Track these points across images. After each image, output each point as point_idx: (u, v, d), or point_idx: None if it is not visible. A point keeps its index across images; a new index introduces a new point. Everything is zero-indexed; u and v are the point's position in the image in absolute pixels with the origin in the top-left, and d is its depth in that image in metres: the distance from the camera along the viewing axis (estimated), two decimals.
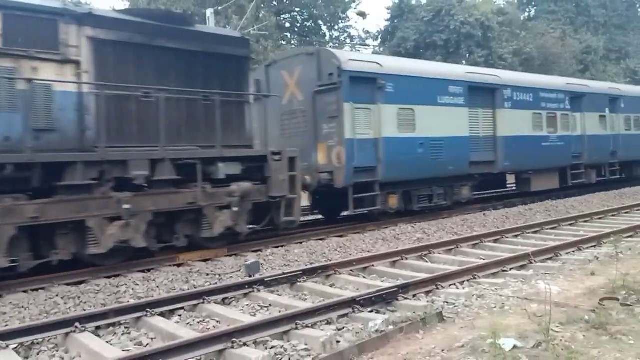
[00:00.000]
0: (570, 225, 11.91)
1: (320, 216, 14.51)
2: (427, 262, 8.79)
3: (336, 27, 40.56)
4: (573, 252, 8.88)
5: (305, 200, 13.03)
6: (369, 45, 41.66)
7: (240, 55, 10.40)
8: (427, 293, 6.72)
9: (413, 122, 13.16)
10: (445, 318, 5.50)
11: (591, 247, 9.21)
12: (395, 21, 40.45)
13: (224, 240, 9.79)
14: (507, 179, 18.74)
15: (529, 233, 10.96)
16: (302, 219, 14.43)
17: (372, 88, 12.44)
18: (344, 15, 39.75)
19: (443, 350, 4.61)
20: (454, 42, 35.92)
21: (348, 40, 40.93)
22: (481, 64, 32.14)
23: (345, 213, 12.31)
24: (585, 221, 12.37)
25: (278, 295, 7.01)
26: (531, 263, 8.11)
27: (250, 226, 10.25)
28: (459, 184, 14.49)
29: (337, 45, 38.22)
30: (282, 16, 37.17)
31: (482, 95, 15.11)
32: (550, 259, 8.45)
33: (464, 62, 34.52)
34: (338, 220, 13.16)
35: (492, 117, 15.42)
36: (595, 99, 19.21)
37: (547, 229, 11.35)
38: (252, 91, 13.00)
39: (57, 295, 7.14)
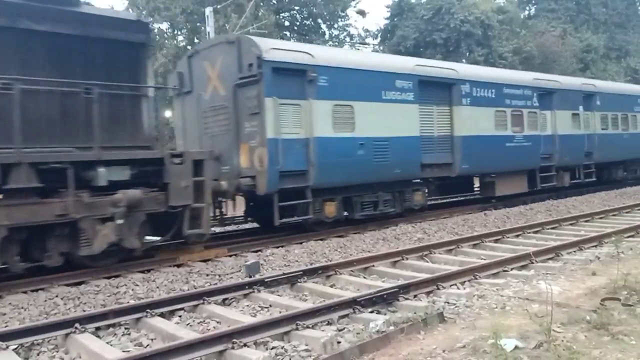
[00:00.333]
0: (571, 225, 11.89)
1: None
2: (427, 262, 8.77)
3: (335, 26, 40.55)
4: (574, 252, 8.86)
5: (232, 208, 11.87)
6: (368, 44, 41.66)
7: (135, 41, 9.00)
8: (428, 293, 6.71)
9: (352, 120, 11.75)
10: (446, 318, 5.49)
11: (592, 246, 9.20)
12: (395, 19, 40.46)
13: (113, 258, 8.52)
14: (475, 183, 17.73)
15: (529, 233, 10.94)
16: (239, 227, 13.30)
17: (302, 81, 11.02)
18: (343, 14, 39.76)
19: (444, 351, 4.60)
20: (454, 40, 35.92)
21: (348, 39, 40.95)
22: (481, 63, 32.15)
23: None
24: (586, 221, 12.36)
25: (278, 295, 6.99)
26: (532, 263, 8.09)
27: (152, 238, 9.20)
28: (410, 189, 13.24)
29: (336, 43, 38.21)
30: (281, 14, 37.14)
31: (436, 90, 13.75)
32: (551, 258, 8.44)
33: (463, 60, 34.50)
34: (276, 229, 11.32)
35: (449, 114, 14.05)
36: (567, 96, 17.86)
37: (548, 229, 11.33)
38: (174, 85, 11.78)
39: (56, 296, 7.13)
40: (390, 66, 13.07)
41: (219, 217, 11.09)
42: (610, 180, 20.56)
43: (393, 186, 12.78)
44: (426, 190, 13.87)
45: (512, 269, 7.79)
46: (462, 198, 18.05)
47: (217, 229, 12.26)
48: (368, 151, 11.94)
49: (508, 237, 10.47)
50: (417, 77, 13.22)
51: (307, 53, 11.49)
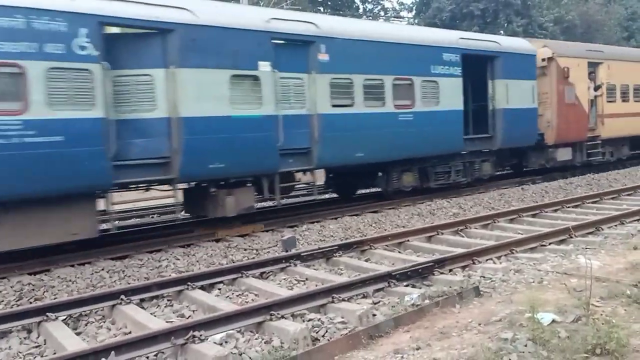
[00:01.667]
0: (612, 199, 11.59)
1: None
2: (463, 237, 8.73)
3: (369, 0, 39.95)
4: (615, 226, 8.67)
5: None
6: (403, 17, 40.92)
7: None
8: (464, 268, 6.71)
9: None
10: (482, 292, 5.48)
11: (634, 221, 8.98)
12: None
13: None
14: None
15: (569, 207, 10.72)
16: None
17: None
18: None
19: (480, 324, 4.61)
20: (492, 11, 34.85)
21: (382, 13, 40.30)
22: (520, 34, 31.14)
23: None
24: (629, 194, 12.03)
25: (314, 269, 7.11)
26: (571, 237, 7.97)
27: None
28: None
29: (370, 17, 37.64)
30: None
31: None
32: (591, 233, 8.28)
33: (501, 32, 33.50)
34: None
35: None
36: (214, 41, 8.77)
37: (588, 203, 11.07)
38: None
39: (102, 269, 7.42)
40: None
41: None
42: (392, 192, 12.13)
43: None
44: None
45: (550, 244, 7.70)
46: None
47: None
48: None
49: (546, 212, 10.27)
50: None
51: None
